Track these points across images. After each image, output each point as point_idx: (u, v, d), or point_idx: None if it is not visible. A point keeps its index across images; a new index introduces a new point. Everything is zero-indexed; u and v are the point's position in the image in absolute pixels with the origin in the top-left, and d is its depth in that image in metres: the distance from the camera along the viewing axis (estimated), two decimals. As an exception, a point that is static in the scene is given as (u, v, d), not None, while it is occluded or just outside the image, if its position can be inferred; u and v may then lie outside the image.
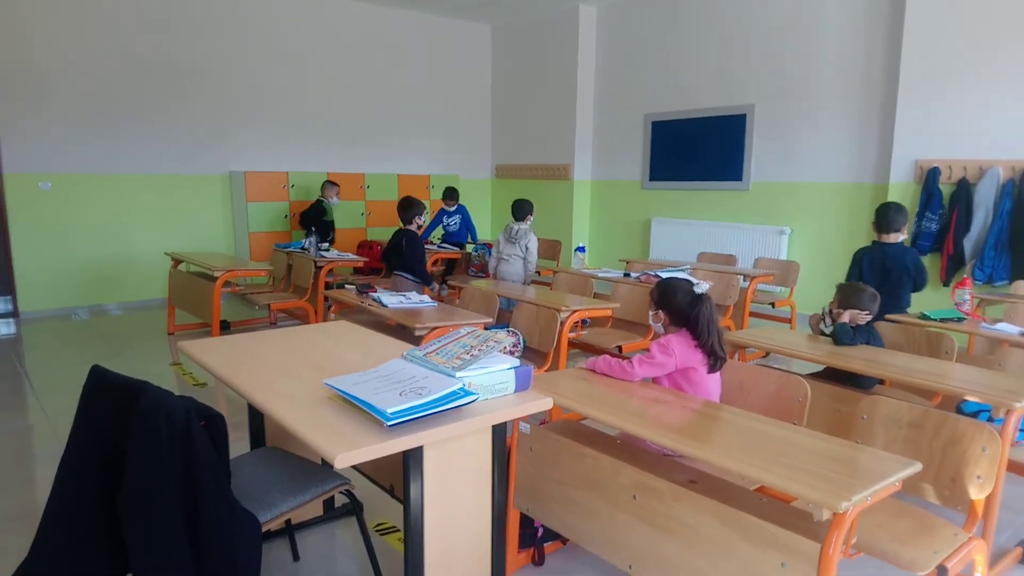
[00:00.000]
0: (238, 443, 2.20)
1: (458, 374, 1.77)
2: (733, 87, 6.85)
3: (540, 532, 2.44)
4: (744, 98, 6.77)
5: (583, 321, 4.54)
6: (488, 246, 6.12)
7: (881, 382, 3.00)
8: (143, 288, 6.95)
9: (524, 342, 3.73)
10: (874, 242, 3.99)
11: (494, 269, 5.53)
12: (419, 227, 5.09)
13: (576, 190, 8.40)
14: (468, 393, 1.72)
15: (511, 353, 2.02)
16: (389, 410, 1.58)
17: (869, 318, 3.06)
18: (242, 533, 1.68)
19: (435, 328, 3.39)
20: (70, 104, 6.36)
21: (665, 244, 7.54)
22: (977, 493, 2.00)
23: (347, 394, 1.71)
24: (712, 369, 2.36)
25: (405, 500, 1.70)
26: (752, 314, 5.47)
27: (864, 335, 3.02)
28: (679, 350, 2.33)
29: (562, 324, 3.68)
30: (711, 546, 1.77)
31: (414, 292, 4.21)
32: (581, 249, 5.95)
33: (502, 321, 4.07)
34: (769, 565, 1.65)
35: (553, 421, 2.74)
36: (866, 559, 1.94)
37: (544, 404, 1.88)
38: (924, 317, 3.57)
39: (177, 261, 5.97)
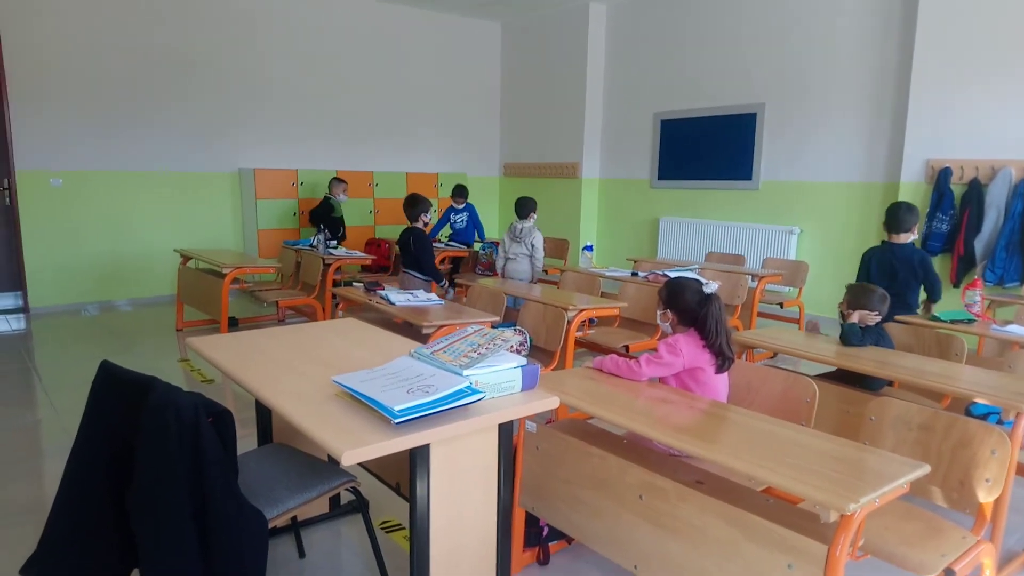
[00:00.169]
0: (245, 439, 2.21)
1: (465, 372, 1.77)
2: (743, 86, 6.82)
3: (545, 531, 2.44)
4: (754, 97, 6.74)
5: (590, 320, 4.53)
6: (495, 244, 6.11)
7: (890, 383, 2.99)
8: (152, 284, 6.99)
9: (531, 341, 3.73)
10: (883, 242, 3.97)
11: (501, 268, 5.53)
12: (425, 224, 5.09)
13: (584, 189, 8.39)
14: (475, 391, 1.72)
15: (518, 352, 2.02)
16: (396, 407, 1.58)
17: (879, 319, 3.05)
18: (249, 529, 1.69)
19: (442, 326, 3.40)
20: (81, 101, 6.40)
21: (673, 243, 7.52)
22: (986, 496, 1.99)
23: (354, 391, 1.72)
24: (720, 369, 2.35)
25: (411, 498, 1.71)
26: (760, 314, 5.46)
27: (873, 336, 3.00)
28: (687, 350, 2.33)
29: (569, 323, 3.68)
30: (717, 547, 1.77)
31: (421, 290, 4.23)
32: (589, 248, 5.93)
33: (509, 320, 4.07)
34: (775, 566, 1.64)
35: (560, 420, 2.74)
36: (873, 561, 1.93)
37: (551, 403, 1.88)
38: (934, 318, 3.56)
39: (186, 258, 6.00)
